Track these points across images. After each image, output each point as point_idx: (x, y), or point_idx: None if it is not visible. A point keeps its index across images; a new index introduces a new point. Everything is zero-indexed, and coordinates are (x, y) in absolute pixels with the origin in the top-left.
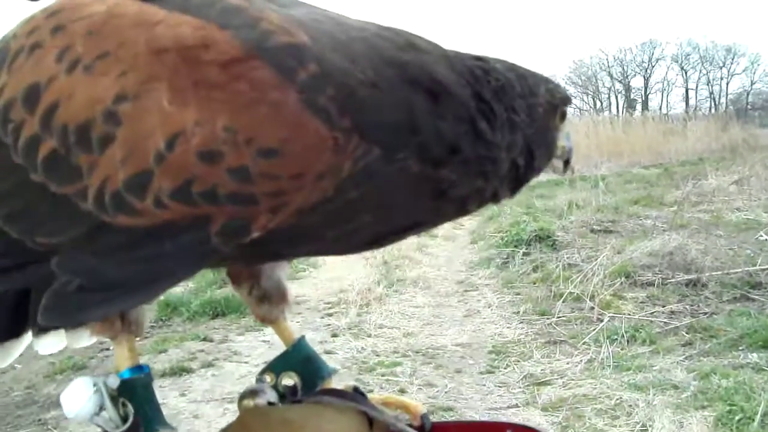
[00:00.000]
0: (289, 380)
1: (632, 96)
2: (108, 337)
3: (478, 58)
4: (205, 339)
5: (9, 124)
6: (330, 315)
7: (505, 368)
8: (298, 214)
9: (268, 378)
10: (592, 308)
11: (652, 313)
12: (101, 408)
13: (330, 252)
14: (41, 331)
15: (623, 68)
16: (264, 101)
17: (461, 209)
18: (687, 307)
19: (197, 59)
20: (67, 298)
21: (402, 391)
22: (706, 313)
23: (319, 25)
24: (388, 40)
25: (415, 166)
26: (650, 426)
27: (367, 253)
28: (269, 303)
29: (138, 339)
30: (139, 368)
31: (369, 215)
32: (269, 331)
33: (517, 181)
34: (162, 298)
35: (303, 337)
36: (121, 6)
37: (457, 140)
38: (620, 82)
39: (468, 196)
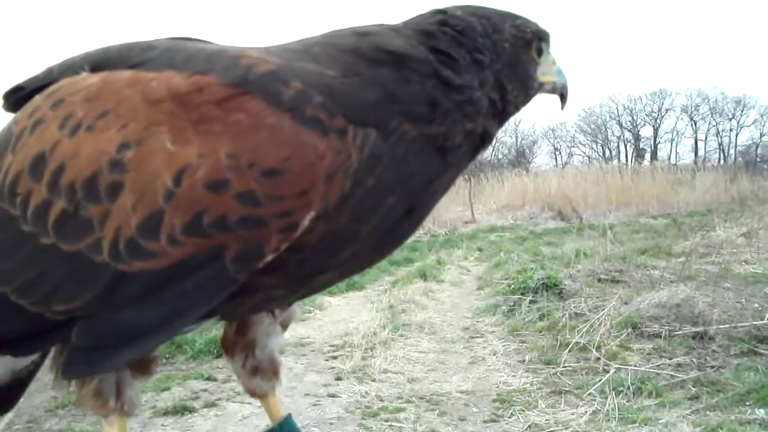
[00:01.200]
0: None
1: (641, 145)
2: (100, 415)
3: (438, 11)
4: (208, 378)
5: (17, 197)
6: (334, 358)
7: (509, 417)
8: (327, 219)
9: None
10: (598, 359)
11: (659, 365)
12: None
13: (369, 254)
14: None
15: (633, 117)
16: (260, 126)
17: (464, 156)
18: (694, 360)
19: (192, 102)
20: (90, 354)
21: None
22: (713, 367)
23: (278, 48)
24: (336, 36)
25: (411, 130)
26: None
27: (373, 297)
28: (261, 376)
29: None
30: None
31: (392, 197)
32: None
33: (500, 115)
34: None
35: (290, 415)
36: (114, 74)
37: (430, 94)
38: (629, 131)
39: (463, 142)
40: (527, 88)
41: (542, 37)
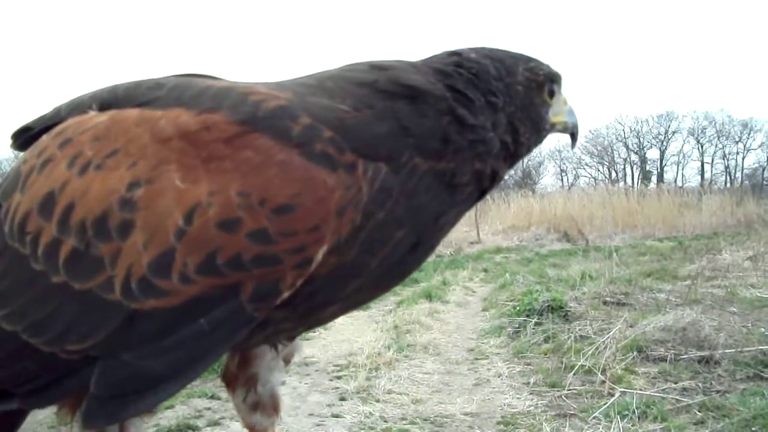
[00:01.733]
0: None
1: (648, 168)
2: None
3: (452, 53)
4: (212, 397)
5: (27, 236)
6: (339, 378)
7: None
8: (338, 253)
9: None
10: (604, 382)
11: (664, 389)
12: None
13: (375, 287)
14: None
15: (639, 140)
16: (270, 163)
17: (471, 195)
18: (699, 384)
19: (201, 140)
20: (110, 402)
21: None
22: (719, 392)
23: (291, 82)
24: (352, 69)
25: (422, 164)
26: None
27: (378, 317)
28: (261, 412)
29: None
30: None
31: (401, 230)
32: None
33: (511, 157)
34: None
35: None
36: (122, 113)
37: (444, 131)
38: (636, 153)
39: (470, 181)
40: (539, 130)
41: (554, 79)
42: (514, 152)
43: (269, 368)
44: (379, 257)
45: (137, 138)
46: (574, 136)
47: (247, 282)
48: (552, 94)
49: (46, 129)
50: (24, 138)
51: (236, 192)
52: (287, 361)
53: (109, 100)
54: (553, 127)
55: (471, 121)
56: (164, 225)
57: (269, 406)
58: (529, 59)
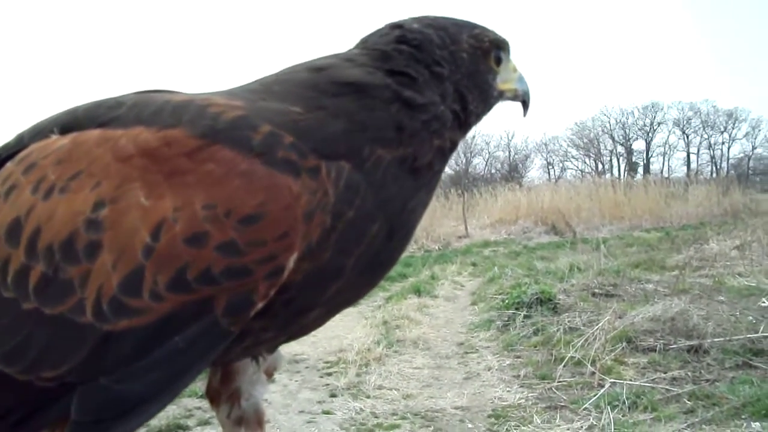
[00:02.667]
0: None
1: (634, 159)
2: None
3: (394, 26)
4: (202, 396)
5: None
6: (329, 374)
7: None
8: (310, 258)
9: None
10: (593, 373)
11: (654, 379)
12: None
13: (357, 286)
14: None
15: (625, 131)
16: (233, 174)
17: (437, 172)
18: (689, 373)
19: (163, 156)
20: (93, 428)
21: None
22: (708, 381)
23: (240, 89)
24: (292, 72)
25: (384, 155)
26: None
27: (367, 313)
28: (246, 427)
29: None
30: None
31: (374, 224)
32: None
33: (463, 126)
34: None
35: None
36: (83, 134)
37: (395, 119)
38: (622, 145)
39: (433, 160)
40: (487, 98)
41: (501, 45)
42: (464, 121)
43: (251, 382)
44: (356, 255)
45: (99, 158)
46: (525, 104)
47: (220, 296)
48: (499, 61)
49: (10, 156)
50: None
51: (201, 205)
52: (269, 374)
53: (70, 123)
54: (502, 95)
55: (419, 100)
56: (131, 243)
57: (253, 421)
58: (474, 26)
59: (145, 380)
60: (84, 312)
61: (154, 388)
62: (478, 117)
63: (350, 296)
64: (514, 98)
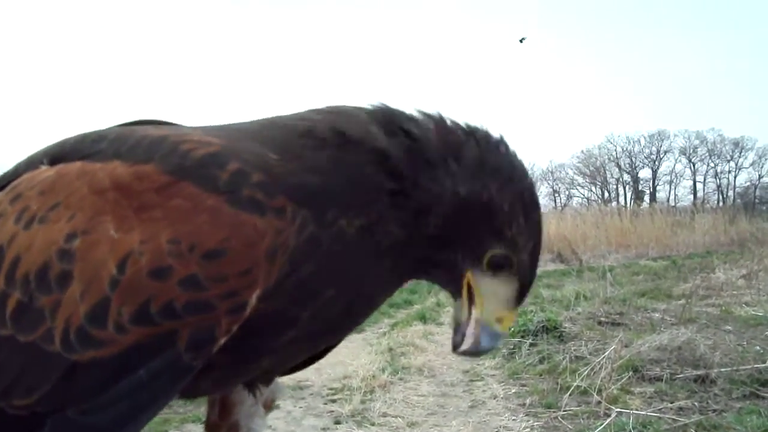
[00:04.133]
0: None
1: (640, 187)
2: None
3: (428, 115)
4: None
5: None
6: (333, 401)
7: None
8: (265, 299)
9: None
10: (600, 402)
11: (661, 409)
12: None
13: (311, 339)
14: None
15: (631, 159)
16: (198, 210)
17: (399, 267)
18: (696, 403)
19: (134, 191)
20: None
21: None
22: (715, 411)
23: (229, 127)
24: (286, 118)
25: (349, 223)
26: None
27: (373, 339)
28: None
29: None
30: None
31: (331, 288)
32: (272, 415)
33: (436, 240)
34: None
35: None
36: (66, 167)
37: (373, 182)
38: (628, 173)
39: (397, 249)
40: (454, 274)
41: (508, 253)
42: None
43: (249, 415)
44: (311, 311)
45: (77, 191)
46: (456, 349)
47: (183, 330)
48: (498, 268)
49: (6, 185)
50: None
51: (166, 239)
52: (268, 406)
53: (59, 154)
54: (458, 298)
55: (394, 186)
56: (99, 275)
57: None
58: (512, 178)
59: (111, 413)
60: (53, 341)
61: (119, 420)
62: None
63: (303, 350)
64: (455, 345)
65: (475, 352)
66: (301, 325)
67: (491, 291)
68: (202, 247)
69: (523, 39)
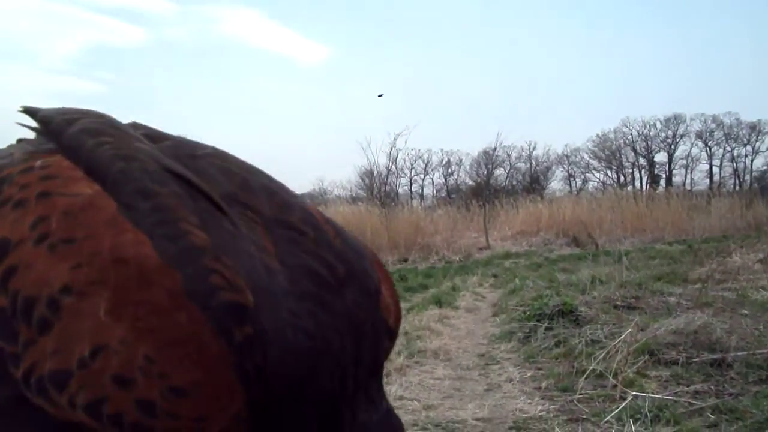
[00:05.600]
0: None
1: (656, 171)
2: None
3: None
4: None
5: None
6: None
7: None
8: None
9: None
10: (615, 386)
11: (677, 392)
12: None
13: None
14: None
15: (647, 143)
16: (191, 342)
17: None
18: (712, 387)
19: (147, 283)
20: None
21: None
22: (731, 394)
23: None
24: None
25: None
26: None
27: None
28: None
29: None
30: None
31: None
32: None
33: None
34: None
35: None
36: (102, 199)
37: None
38: (644, 157)
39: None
40: None
41: None
42: None
43: None
44: None
45: (96, 240)
46: None
47: None
48: None
49: (49, 131)
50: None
51: (144, 354)
52: None
53: (100, 169)
54: None
55: None
56: (72, 347)
57: None
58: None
59: None
60: (17, 368)
61: None
62: None
63: None
64: None
65: None
66: None
67: None
68: (173, 381)
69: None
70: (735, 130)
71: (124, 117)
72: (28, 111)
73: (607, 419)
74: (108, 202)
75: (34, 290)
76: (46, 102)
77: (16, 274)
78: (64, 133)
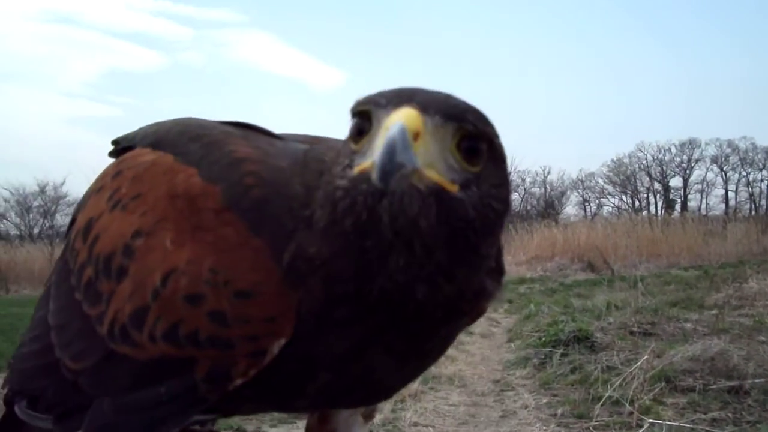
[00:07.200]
0: None
1: (671, 196)
2: None
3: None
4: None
5: (73, 252)
6: None
7: None
8: (298, 345)
9: None
10: (632, 413)
11: (694, 420)
12: None
13: (348, 392)
14: None
15: (662, 168)
16: (244, 246)
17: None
18: (729, 415)
19: (198, 207)
20: None
21: None
22: (749, 422)
23: (297, 154)
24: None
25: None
26: None
27: None
28: None
29: None
30: None
31: (328, 373)
32: (302, 424)
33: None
34: None
35: None
36: (161, 158)
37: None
38: (659, 182)
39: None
40: (329, 195)
41: (358, 111)
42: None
43: (348, 424)
44: (311, 385)
45: (157, 187)
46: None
47: (202, 361)
48: (360, 133)
49: (125, 149)
50: (114, 151)
51: (208, 267)
52: (368, 416)
53: (163, 139)
54: (361, 181)
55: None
56: (147, 281)
57: None
58: None
59: (137, 419)
60: (102, 324)
61: (141, 428)
62: (330, 223)
63: (345, 394)
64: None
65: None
66: (305, 394)
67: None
68: (236, 285)
69: None
70: (750, 154)
71: None
72: (114, 141)
73: None
74: (166, 158)
75: (112, 245)
76: (63, 125)
77: (99, 240)
78: (129, 137)
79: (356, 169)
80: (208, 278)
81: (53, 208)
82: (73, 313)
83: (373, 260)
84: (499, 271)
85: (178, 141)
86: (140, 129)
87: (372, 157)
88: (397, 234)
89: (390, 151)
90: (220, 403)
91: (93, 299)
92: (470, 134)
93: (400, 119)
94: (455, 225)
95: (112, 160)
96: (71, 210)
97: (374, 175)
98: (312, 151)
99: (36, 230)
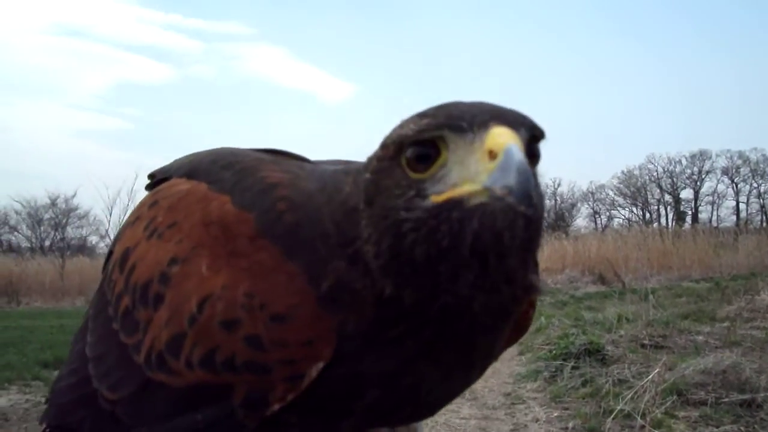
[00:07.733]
0: None
1: (682, 208)
2: None
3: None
4: None
5: (111, 283)
6: None
7: None
8: (345, 365)
9: None
10: (643, 426)
11: None
12: None
13: (398, 406)
14: None
15: (673, 180)
16: (279, 270)
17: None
18: (742, 428)
19: (233, 233)
20: None
21: None
22: None
23: (329, 177)
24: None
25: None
26: None
27: None
28: None
29: None
30: None
31: (377, 390)
32: None
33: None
34: None
35: None
36: (196, 187)
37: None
38: (670, 194)
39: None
40: (393, 223)
41: (415, 139)
42: (383, 266)
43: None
44: (358, 404)
45: (192, 215)
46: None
47: (239, 386)
48: (423, 160)
49: (162, 180)
50: (150, 184)
51: (243, 292)
52: None
53: (196, 170)
54: (449, 208)
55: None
56: (183, 308)
57: None
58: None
59: None
60: (139, 353)
61: None
62: (393, 256)
63: (395, 411)
64: (495, 202)
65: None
66: (353, 414)
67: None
68: (271, 309)
69: None
70: (761, 166)
71: (149, 152)
72: (150, 175)
73: None
74: (200, 187)
75: (149, 273)
76: (73, 138)
77: (136, 269)
78: (165, 169)
79: (442, 197)
80: (243, 303)
81: (64, 221)
82: (110, 344)
83: (443, 282)
84: (535, 263)
85: (211, 169)
86: (175, 161)
87: (480, 183)
88: (474, 251)
89: (524, 173)
90: (262, 430)
91: (130, 328)
92: (536, 139)
93: (512, 140)
94: (532, 232)
95: (145, 192)
96: (82, 222)
97: (512, 200)
98: (332, 178)
99: (47, 243)
